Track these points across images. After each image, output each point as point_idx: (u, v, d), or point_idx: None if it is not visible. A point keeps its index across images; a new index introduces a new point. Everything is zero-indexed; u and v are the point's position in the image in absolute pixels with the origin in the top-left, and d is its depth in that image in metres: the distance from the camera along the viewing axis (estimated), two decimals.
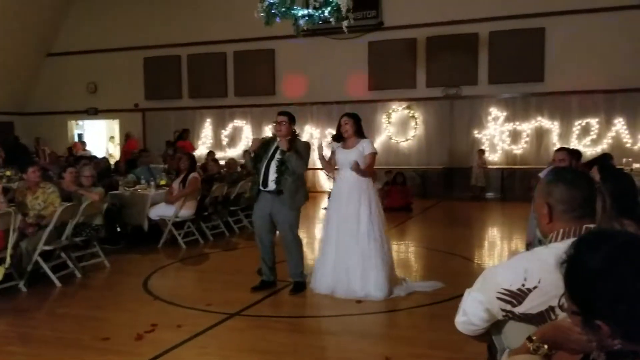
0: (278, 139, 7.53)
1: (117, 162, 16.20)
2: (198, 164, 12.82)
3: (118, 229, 11.23)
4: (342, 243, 7.36)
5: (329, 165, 7.66)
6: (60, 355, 5.60)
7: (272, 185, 7.41)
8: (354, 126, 7.48)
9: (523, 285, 2.35)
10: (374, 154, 7.44)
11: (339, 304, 7.11)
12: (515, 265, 2.43)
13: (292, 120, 7.57)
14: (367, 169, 7.38)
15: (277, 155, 7.44)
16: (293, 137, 7.54)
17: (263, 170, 7.47)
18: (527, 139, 18.19)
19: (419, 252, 10.67)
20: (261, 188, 7.50)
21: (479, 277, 2.58)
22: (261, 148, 7.60)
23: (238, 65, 20.86)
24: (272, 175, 7.40)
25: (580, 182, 2.49)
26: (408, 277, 8.09)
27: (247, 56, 20.62)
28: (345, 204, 7.36)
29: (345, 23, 10.87)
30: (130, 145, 21.30)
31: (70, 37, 23.04)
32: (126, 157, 18.90)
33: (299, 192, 7.52)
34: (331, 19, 10.91)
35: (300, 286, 7.65)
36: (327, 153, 7.71)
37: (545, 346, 2.05)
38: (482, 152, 18.05)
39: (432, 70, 18.71)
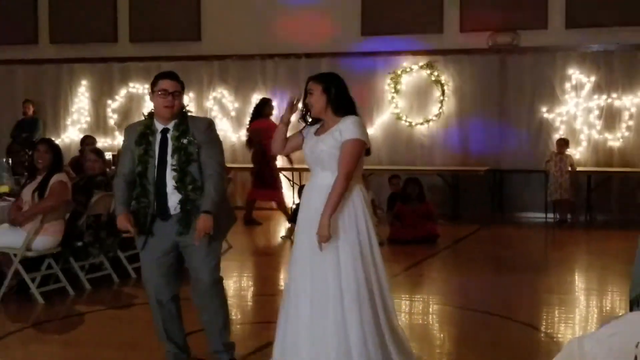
0: (158, 123, 7.42)
1: None
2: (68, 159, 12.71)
3: None
4: (315, 289, 7.23)
5: (280, 142, 7.51)
6: None
7: (174, 207, 7.28)
8: (324, 97, 7.14)
9: None
10: (356, 141, 6.99)
11: None
12: (618, 337, 2.45)
13: (183, 87, 7.49)
14: (342, 171, 7.00)
15: (170, 153, 7.31)
16: (183, 116, 7.39)
17: (153, 184, 7.34)
18: (631, 122, 18.36)
19: (447, 313, 10.69)
20: (154, 214, 7.39)
21: (557, 356, 2.56)
22: (138, 145, 7.37)
23: None
24: (172, 190, 7.28)
25: None
26: (426, 357, 8.07)
27: None
28: (316, 225, 7.24)
29: None
30: None
31: None
32: None
33: (221, 210, 7.46)
34: None
35: None
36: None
37: None
38: (565, 143, 17.98)
39: (471, 4, 18.82)
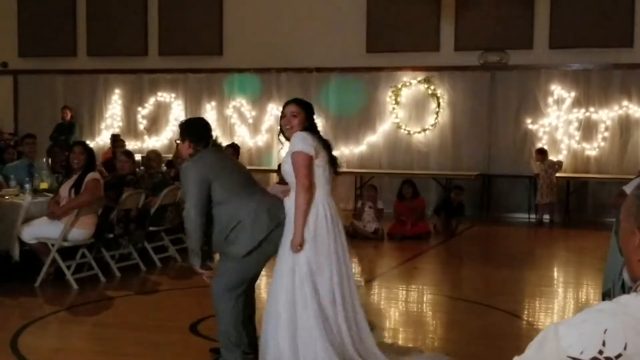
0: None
1: None
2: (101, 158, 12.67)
3: None
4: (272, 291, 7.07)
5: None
6: None
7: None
8: (304, 123, 7.04)
9: (601, 352, 2.35)
10: (297, 154, 6.86)
11: None
12: (589, 323, 2.43)
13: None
14: (298, 184, 6.83)
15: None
16: None
17: None
18: (607, 133, 18.28)
19: (437, 302, 10.69)
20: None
21: (534, 340, 2.57)
22: None
23: (165, 9, 20.86)
24: None
25: None
26: (420, 341, 8.03)
27: None
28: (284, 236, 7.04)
29: None
30: None
31: None
32: None
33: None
34: None
35: None
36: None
37: None
38: (542, 152, 17.86)
39: (465, 25, 18.79)
